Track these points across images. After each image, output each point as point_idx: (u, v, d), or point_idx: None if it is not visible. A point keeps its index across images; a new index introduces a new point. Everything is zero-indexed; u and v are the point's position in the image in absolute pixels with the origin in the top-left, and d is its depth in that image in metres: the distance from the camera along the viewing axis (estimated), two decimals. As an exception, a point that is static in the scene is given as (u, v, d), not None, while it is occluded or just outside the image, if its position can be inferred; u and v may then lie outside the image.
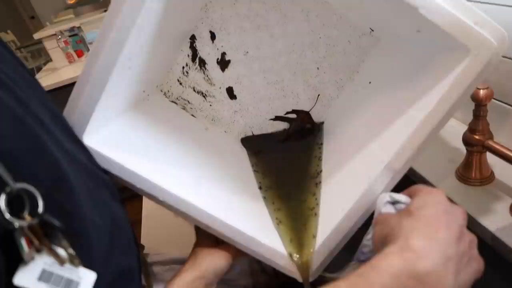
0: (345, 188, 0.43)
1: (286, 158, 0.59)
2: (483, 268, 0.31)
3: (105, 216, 0.33)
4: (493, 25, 0.34)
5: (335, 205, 0.43)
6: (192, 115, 0.63)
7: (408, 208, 0.32)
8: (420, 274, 0.27)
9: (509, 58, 0.54)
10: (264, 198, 0.51)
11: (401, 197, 0.36)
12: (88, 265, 0.29)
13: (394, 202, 0.36)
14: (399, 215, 0.32)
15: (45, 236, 0.26)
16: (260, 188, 0.53)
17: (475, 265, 0.30)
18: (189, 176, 0.46)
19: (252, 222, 0.45)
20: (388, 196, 0.36)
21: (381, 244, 0.31)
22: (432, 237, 0.29)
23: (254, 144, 0.63)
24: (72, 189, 0.29)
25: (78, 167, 0.32)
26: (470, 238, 0.31)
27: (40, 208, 0.25)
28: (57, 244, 0.26)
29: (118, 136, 0.43)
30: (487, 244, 0.46)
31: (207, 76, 0.63)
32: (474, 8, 0.33)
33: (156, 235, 0.70)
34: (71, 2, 3.94)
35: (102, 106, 0.38)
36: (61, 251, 0.26)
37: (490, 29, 0.33)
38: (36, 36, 2.34)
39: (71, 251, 0.27)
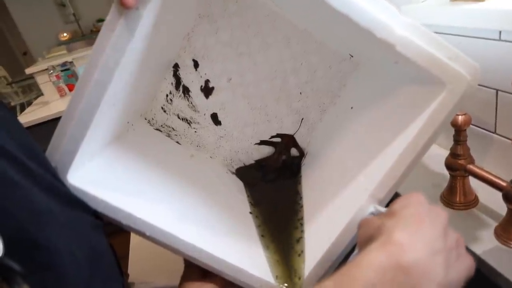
0: (330, 217, 0.44)
1: (274, 189, 0.59)
2: (474, 266, 0.30)
3: (84, 247, 0.33)
4: (466, 60, 0.35)
5: (322, 234, 0.43)
6: (177, 142, 0.63)
7: (390, 209, 0.32)
8: (406, 266, 0.26)
9: (484, 86, 0.57)
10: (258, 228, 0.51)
11: (384, 209, 0.36)
12: None
13: (377, 214, 0.36)
14: (382, 216, 0.32)
15: (4, 281, 0.25)
16: (250, 213, 0.54)
17: (466, 262, 0.30)
18: (176, 208, 0.46)
19: (241, 252, 0.45)
20: (373, 207, 0.37)
21: (366, 245, 0.30)
22: (416, 232, 0.28)
23: (245, 175, 0.64)
24: (46, 221, 0.29)
25: (55, 196, 0.32)
26: (457, 236, 0.30)
27: (0, 252, 0.25)
28: None
29: (102, 172, 0.42)
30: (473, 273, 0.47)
31: (191, 103, 0.63)
32: (447, 44, 0.35)
33: (143, 265, 0.68)
34: (64, 39, 3.95)
35: (85, 144, 0.37)
36: None
37: (463, 63, 0.35)
38: (28, 71, 2.35)
39: None
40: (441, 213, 0.31)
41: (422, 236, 0.27)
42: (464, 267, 0.29)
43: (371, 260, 0.27)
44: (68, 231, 0.31)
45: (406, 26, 0.34)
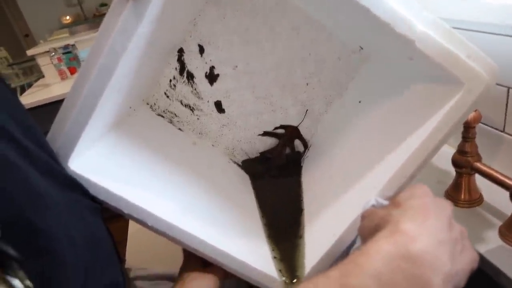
0: (336, 213, 0.43)
1: (278, 183, 0.58)
2: (478, 259, 0.30)
3: (83, 231, 0.32)
4: (485, 59, 0.34)
5: (326, 230, 0.43)
6: (179, 129, 0.62)
7: (395, 200, 0.32)
8: (413, 255, 0.26)
9: (496, 84, 0.55)
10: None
11: (386, 202, 0.36)
12: (65, 284, 0.27)
13: (379, 206, 0.36)
14: (387, 207, 0.32)
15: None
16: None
17: (470, 254, 0.30)
18: (178, 198, 0.45)
19: (243, 244, 0.44)
20: (374, 200, 0.37)
21: (370, 235, 0.30)
22: (422, 222, 0.28)
23: (250, 168, 0.63)
24: (45, 205, 0.28)
25: (53, 179, 0.32)
26: (461, 229, 0.30)
27: None
28: (13, 275, 0.25)
29: (104, 158, 0.41)
30: (477, 266, 0.46)
31: (195, 89, 0.62)
32: (466, 41, 0.34)
33: (141, 251, 0.68)
34: (67, 22, 3.88)
35: (88, 130, 0.36)
36: (17, 283, 0.25)
37: (482, 62, 0.34)
38: (30, 52, 2.30)
39: (28, 283, 0.26)
40: (446, 205, 0.31)
41: (428, 227, 0.27)
42: (468, 259, 0.29)
43: (379, 249, 0.27)
44: (67, 215, 0.31)
45: (427, 22, 0.33)
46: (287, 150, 0.64)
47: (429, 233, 0.27)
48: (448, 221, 0.29)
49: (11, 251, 0.25)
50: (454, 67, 0.33)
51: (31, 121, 0.33)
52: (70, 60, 2.28)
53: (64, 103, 0.35)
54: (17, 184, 0.27)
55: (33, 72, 3.60)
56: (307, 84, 0.62)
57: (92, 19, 4.05)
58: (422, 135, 0.36)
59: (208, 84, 0.62)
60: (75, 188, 0.35)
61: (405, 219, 0.28)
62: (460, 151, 0.53)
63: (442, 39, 0.33)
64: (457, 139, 0.54)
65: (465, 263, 0.29)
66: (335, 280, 0.27)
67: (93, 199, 0.37)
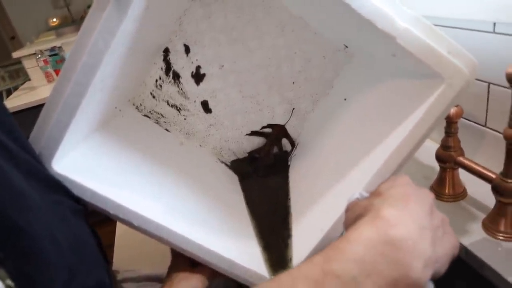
0: (323, 209, 0.43)
1: (265, 182, 0.59)
2: (458, 245, 0.31)
3: (66, 233, 0.32)
4: (465, 54, 0.35)
5: (314, 226, 0.43)
6: (166, 129, 0.62)
7: (377, 190, 0.32)
8: (394, 239, 0.26)
9: (476, 79, 0.57)
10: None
11: (368, 195, 0.36)
12: (48, 284, 0.27)
13: (363, 199, 0.36)
14: (369, 197, 0.32)
15: None
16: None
17: (452, 241, 0.30)
18: (165, 198, 0.44)
19: (231, 243, 0.44)
20: (358, 193, 0.37)
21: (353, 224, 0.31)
22: (403, 208, 0.28)
23: (238, 168, 0.63)
24: (27, 205, 0.28)
25: (35, 179, 0.31)
26: (442, 216, 0.31)
27: None
28: None
29: (88, 159, 0.41)
30: (461, 259, 0.47)
31: (181, 89, 0.62)
32: (448, 37, 0.34)
33: (129, 253, 0.67)
34: (54, 24, 3.82)
35: (71, 130, 0.36)
36: None
37: (462, 58, 0.35)
38: (15, 55, 2.25)
39: (9, 282, 0.25)
40: (427, 193, 0.31)
41: (409, 213, 0.28)
42: (450, 245, 0.30)
43: (360, 235, 0.27)
44: (50, 216, 0.31)
45: (408, 18, 0.33)
46: (275, 149, 0.65)
47: (410, 218, 0.27)
48: (430, 208, 0.29)
49: None
50: (435, 63, 0.34)
51: (13, 124, 0.32)
52: (57, 63, 2.24)
53: (47, 102, 0.34)
54: None
55: (19, 75, 3.54)
56: (293, 82, 0.63)
57: (80, 21, 4.00)
58: (405, 130, 0.36)
59: (195, 84, 0.62)
60: (58, 189, 0.35)
61: (386, 205, 0.28)
62: (444, 146, 0.53)
63: (423, 35, 0.33)
64: (440, 134, 0.55)
65: (447, 248, 0.29)
66: (318, 265, 0.27)
67: (77, 200, 0.37)
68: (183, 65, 0.60)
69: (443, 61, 0.34)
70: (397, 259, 0.25)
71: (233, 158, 0.66)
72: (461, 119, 0.55)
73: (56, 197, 0.34)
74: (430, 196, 0.31)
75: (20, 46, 3.49)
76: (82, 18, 4.08)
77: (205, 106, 0.63)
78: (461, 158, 0.52)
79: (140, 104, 0.60)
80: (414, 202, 0.29)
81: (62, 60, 2.25)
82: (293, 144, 0.65)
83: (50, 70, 2.22)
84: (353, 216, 0.32)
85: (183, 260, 0.45)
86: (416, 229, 0.27)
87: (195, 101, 0.63)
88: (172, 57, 0.59)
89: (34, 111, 1.92)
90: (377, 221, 0.27)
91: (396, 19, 0.33)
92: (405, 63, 0.39)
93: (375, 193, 0.32)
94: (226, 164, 0.65)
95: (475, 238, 0.48)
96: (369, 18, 0.33)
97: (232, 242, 0.45)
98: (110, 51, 0.33)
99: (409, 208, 0.28)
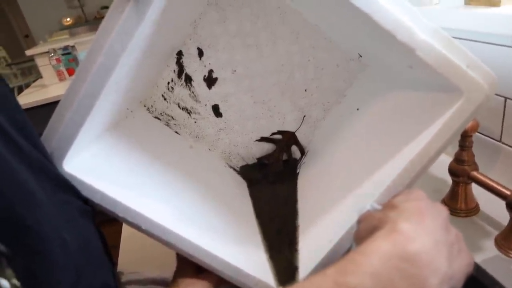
0: (332, 220, 0.43)
1: (275, 189, 0.58)
2: (473, 262, 0.30)
3: (75, 233, 0.32)
4: (484, 68, 0.34)
5: (322, 236, 0.42)
6: (176, 132, 0.62)
7: (391, 202, 0.32)
8: (411, 255, 0.25)
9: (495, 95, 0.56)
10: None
11: (380, 207, 0.36)
12: (55, 285, 0.27)
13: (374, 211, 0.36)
14: (383, 209, 0.32)
15: None
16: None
17: (466, 258, 0.30)
18: (173, 202, 0.44)
19: (238, 250, 0.44)
20: (369, 205, 0.37)
21: (368, 237, 0.30)
22: (419, 223, 0.27)
23: (248, 174, 0.62)
24: (36, 203, 0.28)
25: (45, 178, 0.31)
26: (457, 232, 0.30)
27: None
28: (1, 275, 0.24)
29: (99, 160, 0.41)
30: (473, 276, 0.46)
31: (192, 92, 0.62)
32: (467, 51, 0.34)
33: (134, 255, 0.67)
34: (67, 24, 3.90)
35: (84, 130, 0.36)
36: (4, 282, 0.24)
37: (481, 72, 0.34)
38: (28, 52, 2.28)
39: (15, 282, 0.25)
40: (442, 208, 0.31)
41: (426, 227, 0.27)
42: (465, 262, 0.29)
43: (376, 248, 0.26)
44: (59, 215, 0.30)
45: (428, 30, 0.33)
46: (284, 156, 0.64)
47: (426, 233, 0.27)
48: (445, 224, 0.29)
49: (1, 247, 0.24)
50: (454, 76, 0.33)
51: (26, 120, 0.32)
52: (69, 62, 2.27)
53: (61, 102, 0.34)
54: (7, 179, 0.26)
55: (31, 73, 3.61)
56: (305, 90, 0.62)
57: (93, 21, 4.06)
58: (420, 143, 0.36)
59: (206, 88, 0.61)
60: (68, 189, 0.35)
61: (402, 219, 0.28)
62: (457, 159, 0.53)
63: (442, 48, 0.33)
64: (454, 148, 0.54)
65: (462, 265, 0.29)
66: (331, 277, 0.26)
67: (85, 201, 0.37)
68: (196, 69, 0.60)
69: (462, 75, 0.33)
70: (413, 274, 0.25)
71: (242, 163, 0.65)
72: (476, 133, 0.54)
73: (65, 196, 0.34)
74: (445, 211, 0.31)
75: (33, 44, 3.56)
76: (95, 19, 4.15)
77: (216, 110, 0.63)
78: (475, 173, 0.51)
79: (151, 106, 0.60)
80: (430, 217, 0.28)
81: (75, 59, 2.28)
82: (302, 151, 0.64)
83: (62, 68, 2.25)
84: (367, 227, 0.31)
85: (189, 266, 0.44)
86: (432, 244, 0.26)
87: (206, 105, 0.62)
88: (185, 60, 0.59)
89: (45, 108, 1.94)
90: (393, 235, 0.27)
91: (416, 31, 0.33)
92: (422, 75, 0.38)
93: (389, 206, 0.31)
94: (234, 169, 0.64)
95: (487, 255, 0.47)
96: (388, 28, 0.32)
97: (238, 249, 0.44)
98: (126, 53, 0.33)
99: (425, 223, 0.28)
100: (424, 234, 0.27)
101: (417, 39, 0.32)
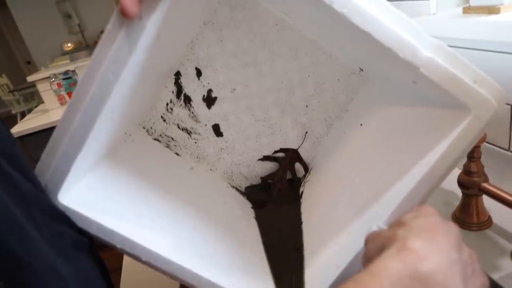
0: (339, 244, 0.41)
1: (279, 211, 0.56)
2: (488, 284, 0.28)
3: (70, 265, 0.31)
4: (492, 84, 0.33)
5: (329, 261, 0.41)
6: (176, 153, 0.61)
7: (401, 220, 0.30)
8: (424, 274, 0.24)
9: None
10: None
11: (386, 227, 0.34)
12: None
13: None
14: (392, 227, 0.30)
15: None
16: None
17: (481, 279, 0.28)
18: (174, 231, 0.43)
19: (243, 278, 0.42)
20: (376, 226, 0.35)
21: (375, 257, 0.28)
22: (431, 240, 0.26)
23: (252, 196, 0.61)
24: (28, 235, 0.27)
25: (38, 209, 0.30)
26: (470, 251, 0.28)
27: None
28: None
29: (96, 190, 0.39)
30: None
31: (192, 113, 0.61)
32: (473, 66, 0.33)
33: (136, 279, 0.65)
34: (68, 49, 3.97)
35: (79, 162, 0.34)
36: None
37: (489, 87, 0.33)
38: (30, 78, 2.32)
39: None
40: (453, 227, 0.29)
41: (438, 245, 0.26)
42: (479, 284, 0.27)
43: (385, 268, 0.25)
44: (53, 247, 0.29)
45: (432, 46, 0.31)
46: (288, 175, 0.63)
47: (440, 251, 0.25)
48: (458, 242, 0.27)
49: None
50: (461, 93, 0.32)
51: (16, 149, 0.31)
52: (70, 86, 2.31)
53: (54, 134, 0.33)
54: None
55: (34, 99, 3.67)
56: (306, 106, 0.61)
57: (93, 45, 4.12)
58: (429, 163, 0.34)
59: (206, 107, 0.60)
60: (62, 220, 0.33)
61: (412, 236, 0.26)
62: (466, 171, 0.51)
63: (448, 64, 0.32)
64: (462, 159, 0.52)
65: (477, 287, 0.27)
66: None
67: (81, 231, 0.35)
68: (195, 89, 0.59)
69: (469, 91, 0.32)
70: None
71: (245, 182, 0.64)
72: (484, 143, 0.53)
73: (59, 227, 0.32)
74: (456, 229, 0.29)
75: (35, 70, 3.63)
76: (95, 43, 4.22)
77: (216, 130, 0.62)
78: (485, 184, 0.50)
79: (151, 128, 0.59)
80: (442, 234, 0.26)
81: (75, 83, 2.32)
82: (306, 168, 0.63)
83: (63, 93, 2.28)
84: (375, 247, 0.29)
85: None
86: (446, 263, 0.24)
87: (206, 125, 0.61)
88: (183, 81, 0.59)
89: (48, 133, 1.96)
90: (404, 253, 0.25)
91: (419, 47, 0.31)
92: (427, 91, 0.37)
93: (398, 223, 0.30)
94: (237, 189, 0.63)
95: (503, 270, 0.45)
96: (390, 46, 0.31)
97: (243, 278, 0.42)
98: (119, 82, 0.31)
99: (438, 240, 0.26)
100: (437, 252, 0.25)
101: (420, 56, 0.31)
